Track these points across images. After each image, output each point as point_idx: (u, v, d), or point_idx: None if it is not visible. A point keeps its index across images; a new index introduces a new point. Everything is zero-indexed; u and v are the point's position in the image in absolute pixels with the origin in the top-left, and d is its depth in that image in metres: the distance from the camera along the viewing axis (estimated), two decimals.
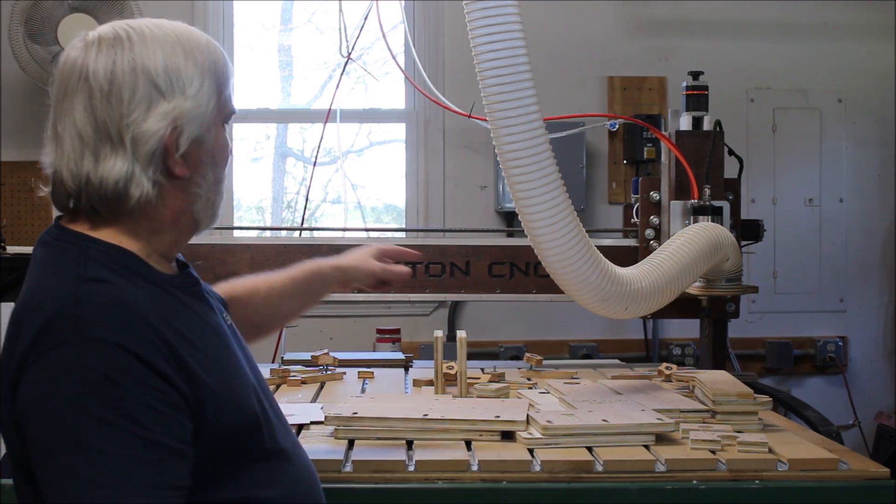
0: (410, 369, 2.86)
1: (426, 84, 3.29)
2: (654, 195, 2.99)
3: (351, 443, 1.87)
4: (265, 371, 2.31)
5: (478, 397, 2.26)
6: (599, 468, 1.78)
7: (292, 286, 1.97)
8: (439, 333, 2.43)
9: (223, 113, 1.46)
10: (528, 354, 2.87)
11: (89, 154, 1.36)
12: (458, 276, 3.01)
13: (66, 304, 1.29)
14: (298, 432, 1.95)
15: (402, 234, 4.36)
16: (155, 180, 1.38)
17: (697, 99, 2.97)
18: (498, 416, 1.96)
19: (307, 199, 3.84)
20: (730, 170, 2.98)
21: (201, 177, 1.43)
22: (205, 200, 1.45)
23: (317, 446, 1.84)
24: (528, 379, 2.59)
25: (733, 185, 2.96)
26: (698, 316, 3.04)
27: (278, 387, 2.49)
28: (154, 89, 1.36)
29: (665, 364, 2.67)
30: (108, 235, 1.40)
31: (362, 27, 3.58)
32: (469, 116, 2.99)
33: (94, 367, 1.25)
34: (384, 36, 3.49)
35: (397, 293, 3.03)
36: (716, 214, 2.79)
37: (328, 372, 2.66)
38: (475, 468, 1.76)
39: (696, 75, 3.01)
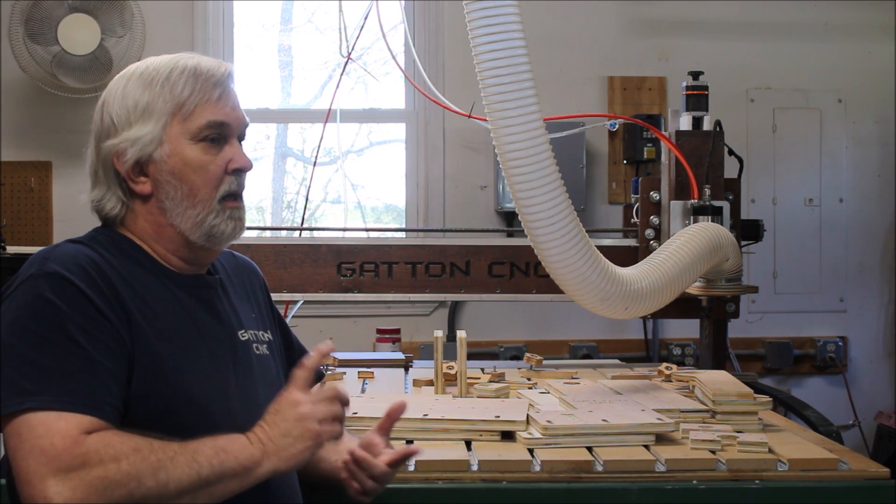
0: (410, 369, 2.86)
1: (426, 84, 3.29)
2: (654, 195, 2.99)
3: None
4: None
5: (478, 397, 2.26)
6: (599, 468, 1.78)
7: None
8: (439, 333, 2.43)
9: (189, 130, 1.56)
10: (528, 354, 2.87)
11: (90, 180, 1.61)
12: (458, 276, 3.01)
13: (42, 253, 1.50)
14: None
15: (402, 234, 4.36)
16: (123, 199, 1.57)
17: (697, 99, 2.97)
18: (498, 416, 1.96)
19: (307, 199, 3.83)
20: (730, 170, 2.98)
21: (165, 192, 1.56)
22: (181, 213, 1.56)
23: None
24: (528, 379, 2.59)
25: (733, 185, 2.96)
26: (698, 316, 3.04)
27: None
28: (111, 125, 1.56)
29: (665, 364, 2.68)
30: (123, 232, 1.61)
31: (362, 27, 3.57)
32: (469, 116, 2.99)
33: (39, 294, 1.42)
34: (384, 36, 3.49)
35: (398, 293, 3.03)
36: (716, 214, 2.79)
37: (328, 372, 2.66)
38: (475, 468, 1.77)
39: (696, 75, 3.01)
